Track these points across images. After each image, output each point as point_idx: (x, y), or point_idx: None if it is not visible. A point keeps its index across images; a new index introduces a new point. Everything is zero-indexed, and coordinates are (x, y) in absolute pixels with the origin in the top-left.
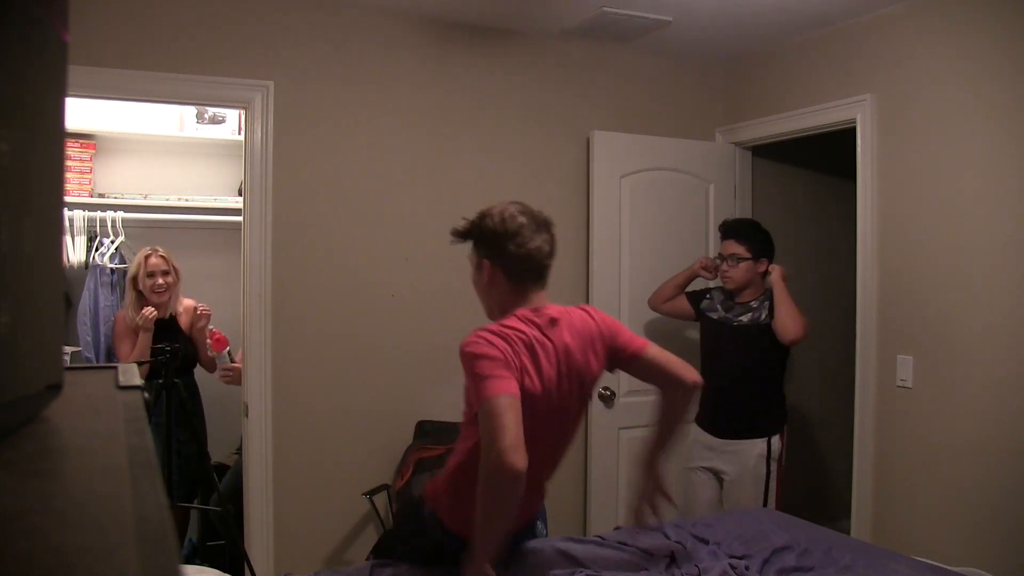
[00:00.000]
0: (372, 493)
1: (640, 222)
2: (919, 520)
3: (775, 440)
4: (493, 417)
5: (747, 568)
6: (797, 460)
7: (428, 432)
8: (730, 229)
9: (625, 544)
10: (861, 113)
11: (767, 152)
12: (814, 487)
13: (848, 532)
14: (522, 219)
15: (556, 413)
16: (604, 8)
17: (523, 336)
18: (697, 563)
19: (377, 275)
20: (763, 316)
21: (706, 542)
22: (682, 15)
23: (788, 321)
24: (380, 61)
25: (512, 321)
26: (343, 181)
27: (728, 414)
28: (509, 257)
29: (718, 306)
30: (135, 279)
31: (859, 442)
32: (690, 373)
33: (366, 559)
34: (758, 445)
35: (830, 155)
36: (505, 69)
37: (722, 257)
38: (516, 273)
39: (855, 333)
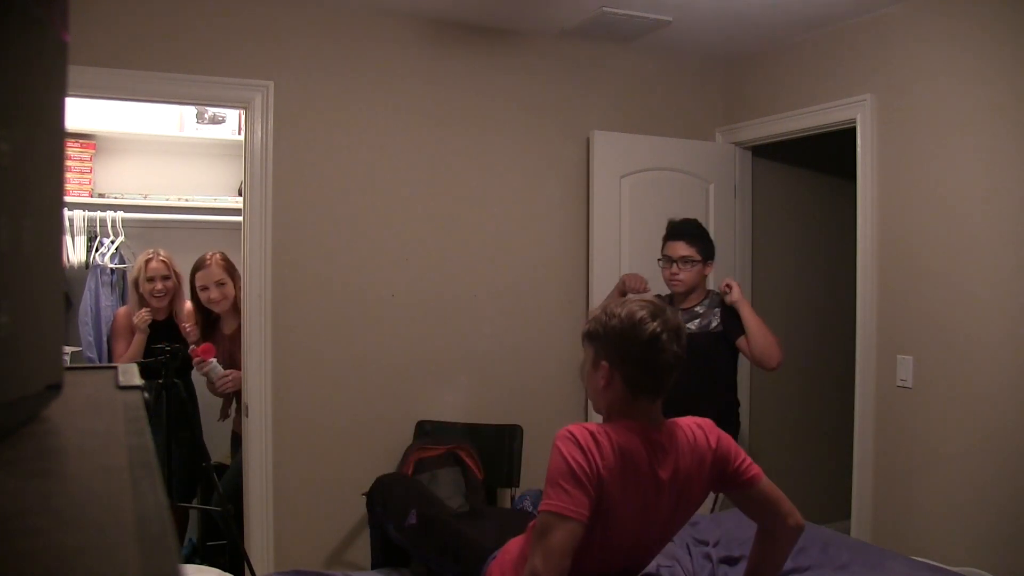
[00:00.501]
0: None
1: (640, 222)
2: (919, 520)
3: None
4: (542, 532)
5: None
6: (797, 460)
7: (428, 432)
8: (679, 230)
9: None
10: (861, 113)
11: (767, 152)
12: (813, 487)
13: (848, 532)
14: (655, 326)
15: (622, 537)
16: (604, 8)
17: (622, 453)
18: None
19: (377, 275)
20: (713, 323)
21: (705, 543)
22: (682, 15)
23: (767, 347)
24: (380, 61)
25: (618, 432)
26: (343, 181)
27: None
28: (632, 365)
29: None
30: (136, 282)
31: (859, 442)
32: (795, 516)
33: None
34: None
35: (830, 155)
36: (505, 69)
37: (670, 260)
38: (637, 383)
39: (855, 333)
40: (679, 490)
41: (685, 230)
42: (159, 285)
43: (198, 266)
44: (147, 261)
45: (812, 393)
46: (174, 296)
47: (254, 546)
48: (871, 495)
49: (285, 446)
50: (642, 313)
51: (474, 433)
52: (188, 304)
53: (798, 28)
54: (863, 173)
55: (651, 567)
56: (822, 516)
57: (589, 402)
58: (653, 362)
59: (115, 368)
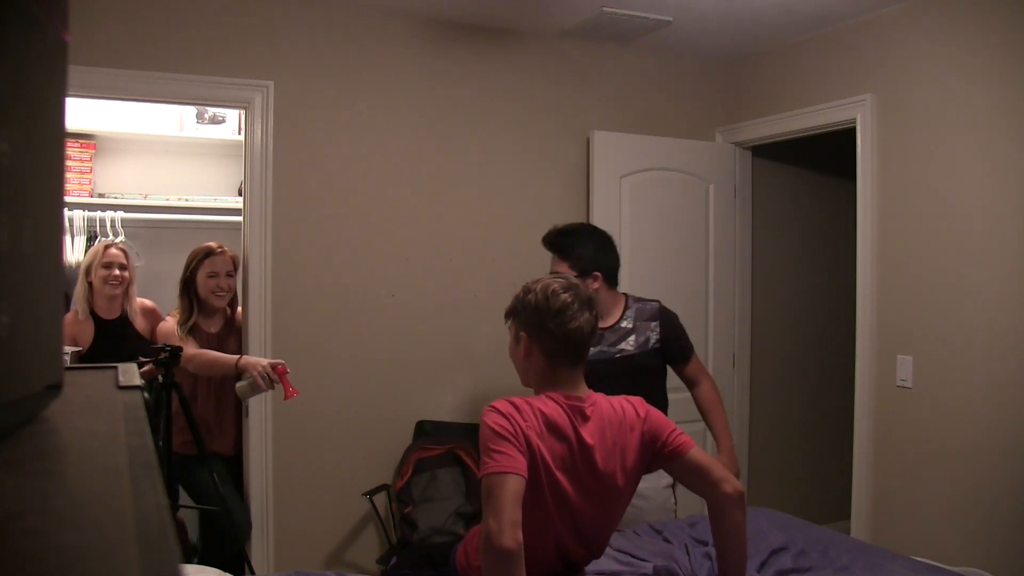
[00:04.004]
0: (372, 493)
1: (640, 222)
2: (919, 520)
3: None
4: (487, 496)
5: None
6: (797, 460)
7: (428, 432)
8: (549, 243)
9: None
10: (861, 113)
11: (767, 152)
12: (813, 487)
13: (848, 532)
14: (565, 296)
15: (565, 503)
16: (604, 8)
17: (544, 417)
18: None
19: (377, 275)
20: (652, 340)
21: (704, 543)
22: (682, 15)
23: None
24: (380, 61)
25: (540, 400)
26: (343, 181)
27: None
28: (547, 334)
29: None
30: (89, 269)
31: (858, 442)
32: (731, 483)
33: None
34: (664, 477)
35: (830, 155)
36: (505, 69)
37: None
38: (553, 351)
39: (855, 333)
40: (608, 458)
41: (554, 243)
42: (116, 272)
43: (207, 252)
44: (106, 247)
45: (812, 393)
46: (126, 291)
47: (254, 546)
48: (871, 495)
49: (285, 446)
50: (554, 285)
51: (474, 433)
52: (141, 302)
53: (798, 28)
54: (863, 173)
55: (648, 568)
56: (822, 516)
57: None
58: (566, 330)
59: (115, 368)
